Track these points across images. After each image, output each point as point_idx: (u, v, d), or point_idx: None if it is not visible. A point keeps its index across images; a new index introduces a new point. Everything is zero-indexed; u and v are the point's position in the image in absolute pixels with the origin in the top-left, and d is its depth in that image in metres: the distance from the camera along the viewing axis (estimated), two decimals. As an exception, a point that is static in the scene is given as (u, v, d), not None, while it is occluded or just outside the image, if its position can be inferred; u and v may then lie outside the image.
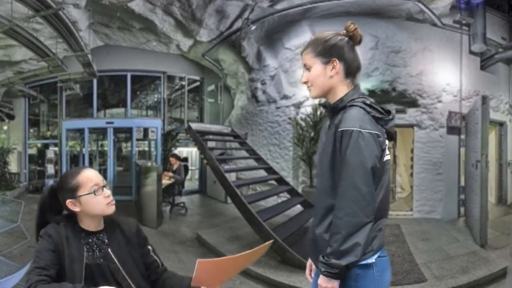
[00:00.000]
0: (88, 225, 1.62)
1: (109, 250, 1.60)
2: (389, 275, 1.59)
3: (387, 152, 1.54)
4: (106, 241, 1.63)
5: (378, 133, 1.45)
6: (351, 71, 1.59)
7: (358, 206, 1.38)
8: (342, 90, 1.58)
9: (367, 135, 1.41)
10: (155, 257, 1.75)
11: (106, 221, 1.69)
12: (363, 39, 1.63)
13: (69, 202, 1.57)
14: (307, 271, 1.78)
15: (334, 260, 1.39)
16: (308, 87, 1.64)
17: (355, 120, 1.43)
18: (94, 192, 1.57)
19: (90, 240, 1.60)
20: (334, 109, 1.58)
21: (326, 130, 1.65)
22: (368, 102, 1.51)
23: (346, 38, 1.58)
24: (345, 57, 1.56)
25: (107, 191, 1.62)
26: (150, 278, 1.73)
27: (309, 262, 1.78)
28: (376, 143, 1.43)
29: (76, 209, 1.58)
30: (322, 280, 1.45)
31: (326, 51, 1.56)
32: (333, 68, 1.56)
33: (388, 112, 1.57)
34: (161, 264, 1.77)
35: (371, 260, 1.48)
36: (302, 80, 1.65)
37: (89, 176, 1.60)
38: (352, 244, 1.38)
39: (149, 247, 1.76)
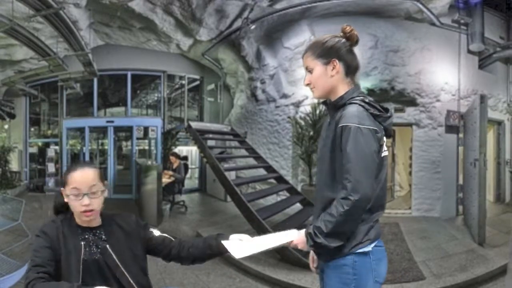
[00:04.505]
0: (81, 221, 1.62)
1: (107, 246, 1.61)
2: (385, 265, 1.66)
3: (384, 148, 1.62)
4: (104, 237, 1.63)
5: (376, 128, 1.53)
6: (351, 70, 1.67)
7: (359, 199, 1.44)
8: (343, 88, 1.66)
9: (365, 130, 1.49)
10: (163, 234, 1.78)
11: (104, 217, 1.70)
12: (361, 39, 1.72)
13: (62, 190, 1.62)
14: (311, 263, 1.84)
15: (322, 239, 1.50)
16: (311, 88, 1.72)
17: (354, 116, 1.51)
18: (72, 196, 1.57)
19: (86, 236, 1.60)
20: (335, 106, 1.66)
21: (326, 127, 1.72)
22: (367, 100, 1.59)
23: (344, 40, 1.66)
24: (344, 57, 1.64)
25: (86, 201, 1.55)
26: (171, 254, 1.78)
27: (312, 253, 1.84)
28: (375, 138, 1.51)
29: (66, 199, 1.60)
30: (301, 243, 1.60)
31: (326, 52, 1.64)
32: (333, 68, 1.64)
33: (386, 110, 1.64)
34: (174, 237, 1.80)
35: (368, 248, 1.56)
36: (305, 82, 1.73)
37: (75, 178, 1.58)
38: (341, 231, 1.49)
39: (151, 229, 1.78)
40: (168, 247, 1.78)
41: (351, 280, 1.55)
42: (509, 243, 5.10)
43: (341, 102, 1.62)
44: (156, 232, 1.79)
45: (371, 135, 1.50)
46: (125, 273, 1.59)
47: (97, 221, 1.66)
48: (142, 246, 1.72)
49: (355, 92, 1.64)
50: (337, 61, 1.63)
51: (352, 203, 1.43)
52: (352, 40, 1.66)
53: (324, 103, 1.79)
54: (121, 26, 9.20)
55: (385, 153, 1.62)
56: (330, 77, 1.64)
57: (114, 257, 1.59)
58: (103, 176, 1.66)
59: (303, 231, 1.60)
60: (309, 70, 1.70)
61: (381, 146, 1.56)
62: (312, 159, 7.66)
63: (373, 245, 1.57)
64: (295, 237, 1.61)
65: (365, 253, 1.55)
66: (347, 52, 1.65)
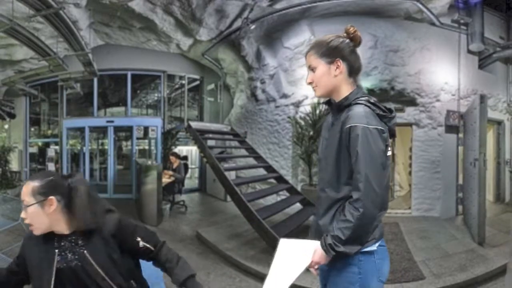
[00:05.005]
0: (56, 229, 1.58)
1: (85, 252, 1.55)
2: (388, 265, 1.67)
3: (389, 148, 1.63)
4: (80, 242, 1.57)
5: (383, 128, 1.55)
6: (354, 70, 1.68)
7: (371, 199, 1.47)
8: (346, 89, 1.67)
9: (373, 130, 1.50)
10: (146, 245, 1.70)
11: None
12: (362, 39, 1.70)
13: None
14: None
15: (342, 247, 1.49)
16: (313, 87, 1.73)
17: (361, 117, 1.52)
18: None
19: (63, 243, 1.57)
20: (340, 107, 1.66)
21: (329, 127, 1.73)
22: (371, 100, 1.60)
23: (347, 40, 1.67)
24: (347, 58, 1.65)
25: (22, 213, 1.54)
26: (150, 260, 1.77)
27: None
28: (382, 138, 1.53)
29: None
30: (322, 258, 1.56)
31: (330, 52, 1.65)
32: (337, 68, 1.65)
33: (390, 111, 1.65)
34: (155, 246, 1.74)
35: (373, 247, 1.58)
36: (307, 80, 1.73)
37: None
38: (359, 234, 1.50)
39: (138, 238, 1.69)
40: (146, 256, 1.75)
41: (357, 279, 1.56)
42: (509, 243, 5.12)
43: (346, 102, 1.63)
44: (142, 239, 1.70)
45: (379, 135, 1.51)
46: (106, 278, 1.55)
47: (71, 227, 1.59)
48: (122, 251, 1.65)
49: (359, 92, 1.65)
50: (341, 61, 1.64)
51: (366, 204, 1.45)
52: (355, 41, 1.68)
53: (327, 103, 1.79)
54: (121, 26, 9.20)
55: (388, 153, 1.63)
56: (334, 77, 1.65)
57: (93, 263, 1.55)
58: (45, 190, 1.53)
59: (317, 246, 1.57)
60: (312, 69, 1.70)
61: (386, 146, 1.57)
62: (312, 159, 7.67)
63: (377, 244, 1.59)
64: (312, 256, 1.57)
65: (370, 252, 1.57)
66: (350, 53, 1.66)
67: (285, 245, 1.69)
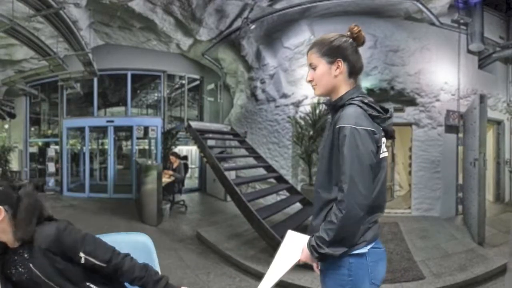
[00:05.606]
0: (4, 240, 1.56)
1: (31, 265, 1.53)
2: (384, 267, 1.65)
3: (384, 149, 1.61)
4: (26, 255, 1.54)
5: (373, 129, 1.51)
6: (355, 71, 1.66)
7: (355, 200, 1.44)
8: (345, 89, 1.64)
9: (362, 131, 1.47)
10: (93, 260, 1.59)
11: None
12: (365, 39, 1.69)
13: None
14: (314, 264, 1.83)
15: (326, 249, 1.48)
16: (313, 85, 1.71)
17: (351, 117, 1.49)
18: None
19: (16, 257, 1.55)
20: (334, 107, 1.65)
21: (328, 127, 1.71)
22: (366, 101, 1.57)
23: (350, 40, 1.64)
24: (349, 58, 1.63)
25: None
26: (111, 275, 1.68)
27: None
28: (372, 139, 1.49)
29: None
30: (308, 257, 1.57)
31: (332, 51, 1.62)
32: (337, 68, 1.62)
33: (386, 111, 1.62)
34: (106, 262, 1.62)
35: (364, 250, 1.55)
36: (307, 78, 1.71)
37: None
38: (343, 236, 1.48)
39: (81, 254, 1.58)
40: (99, 272, 1.65)
41: (347, 282, 1.54)
42: (508, 242, 5.12)
43: (341, 102, 1.61)
44: (88, 255, 1.59)
45: (368, 136, 1.48)
46: None
47: (19, 239, 1.56)
48: (65, 259, 1.58)
49: (355, 93, 1.62)
50: (342, 61, 1.61)
51: (349, 206, 1.43)
52: (358, 40, 1.65)
53: (326, 104, 1.78)
54: (121, 26, 9.20)
55: (384, 154, 1.60)
56: (334, 77, 1.63)
57: (40, 275, 1.52)
58: None
59: (305, 245, 1.58)
60: (313, 67, 1.68)
61: (379, 147, 1.55)
62: (312, 158, 7.66)
63: (369, 246, 1.56)
64: (300, 254, 1.59)
65: (361, 255, 1.55)
66: (352, 53, 1.63)
67: (290, 237, 1.70)
